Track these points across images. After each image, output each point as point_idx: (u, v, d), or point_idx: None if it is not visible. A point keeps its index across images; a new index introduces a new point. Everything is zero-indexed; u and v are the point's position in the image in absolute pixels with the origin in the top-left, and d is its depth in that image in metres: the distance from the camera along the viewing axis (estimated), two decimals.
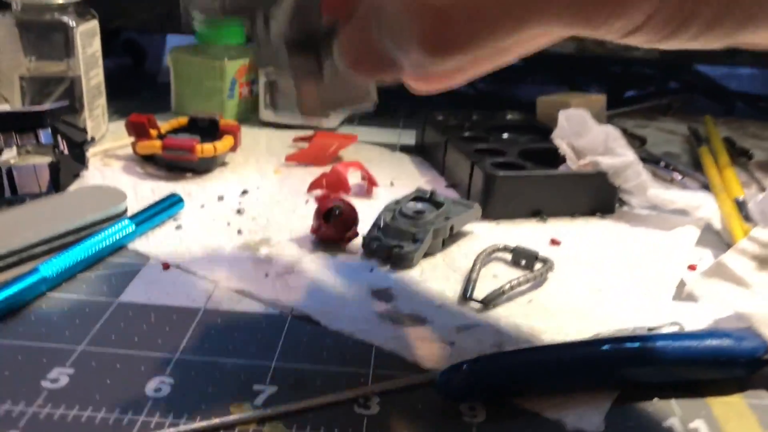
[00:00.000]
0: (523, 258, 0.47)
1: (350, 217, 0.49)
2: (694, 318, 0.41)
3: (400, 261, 0.46)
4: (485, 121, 0.70)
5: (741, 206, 0.54)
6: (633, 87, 0.92)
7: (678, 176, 0.62)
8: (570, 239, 0.52)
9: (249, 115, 0.75)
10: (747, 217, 0.52)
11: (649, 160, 0.64)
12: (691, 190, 0.60)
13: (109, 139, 0.67)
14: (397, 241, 0.47)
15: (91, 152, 0.62)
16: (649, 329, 0.40)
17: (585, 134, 0.59)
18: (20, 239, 0.43)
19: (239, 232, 0.50)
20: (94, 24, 0.63)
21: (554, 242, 0.51)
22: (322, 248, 0.49)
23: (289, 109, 0.69)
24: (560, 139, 0.59)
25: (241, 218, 0.53)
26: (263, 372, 0.36)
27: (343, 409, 0.34)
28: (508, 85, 1.00)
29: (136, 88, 0.84)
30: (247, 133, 0.71)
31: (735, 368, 0.38)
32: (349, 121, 0.77)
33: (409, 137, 0.73)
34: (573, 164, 0.57)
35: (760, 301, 0.39)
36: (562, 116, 0.59)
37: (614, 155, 0.56)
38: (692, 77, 0.91)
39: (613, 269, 0.48)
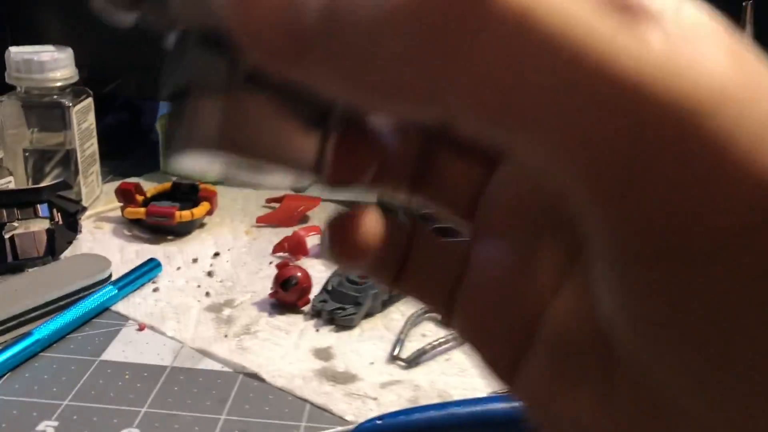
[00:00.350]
0: None
1: (304, 286, 0.57)
2: None
3: (343, 322, 0.54)
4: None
5: None
6: None
7: None
8: None
9: None
10: None
11: None
12: None
13: (102, 201, 0.75)
14: (341, 304, 0.55)
15: (86, 215, 0.71)
16: None
17: None
18: (18, 306, 0.52)
19: (207, 294, 0.58)
20: (88, 102, 0.72)
21: None
22: (278, 310, 0.57)
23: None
24: None
25: (210, 280, 0.61)
26: (213, 424, 0.44)
27: None
28: None
29: (130, 147, 0.92)
30: (227, 193, 0.79)
31: None
32: None
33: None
34: None
35: None
36: None
37: None
38: None
39: None
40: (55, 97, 0.68)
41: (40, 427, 0.43)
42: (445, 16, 0.12)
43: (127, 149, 0.92)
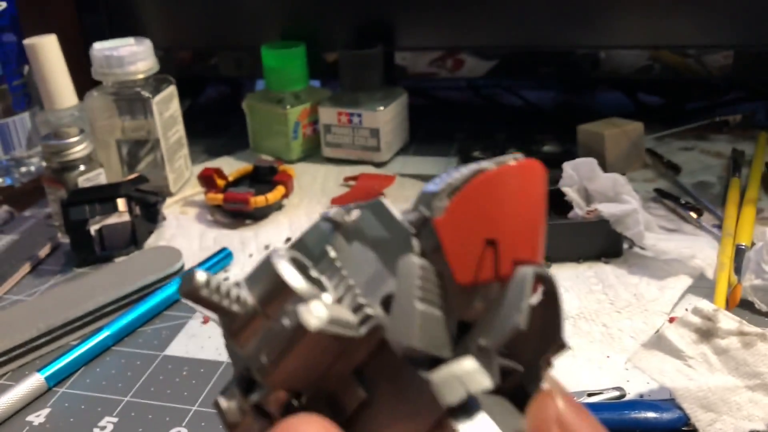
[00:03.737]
0: None
1: None
2: (644, 382, 0.46)
3: None
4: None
5: (739, 254, 0.56)
6: (697, 97, 0.91)
7: (694, 215, 0.64)
8: (565, 289, 0.57)
9: (313, 151, 0.84)
10: (738, 269, 0.54)
11: (669, 197, 0.67)
12: (693, 235, 0.62)
13: (191, 184, 0.79)
14: None
15: (172, 200, 0.74)
16: (588, 394, 0.45)
17: (594, 180, 0.62)
18: (93, 302, 0.56)
19: None
20: (170, 90, 0.74)
21: None
22: None
23: None
24: (569, 187, 0.63)
25: None
26: None
27: None
28: (580, 96, 1.02)
29: (227, 123, 0.95)
30: (308, 170, 0.80)
31: None
32: (404, 151, 0.84)
33: None
34: (581, 210, 0.62)
35: (692, 375, 0.43)
36: (568, 166, 0.63)
37: (620, 202, 0.60)
38: (763, 87, 0.89)
39: (593, 322, 0.53)
40: (137, 89, 0.71)
41: (102, 422, 0.47)
42: None
43: (224, 126, 0.95)
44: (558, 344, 0.22)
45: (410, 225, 0.22)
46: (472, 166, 0.22)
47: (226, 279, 0.61)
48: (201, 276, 0.22)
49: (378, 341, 0.21)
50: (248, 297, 0.22)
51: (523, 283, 0.20)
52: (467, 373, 0.20)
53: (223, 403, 0.22)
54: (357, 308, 0.21)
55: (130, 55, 0.70)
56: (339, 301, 0.22)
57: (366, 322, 0.21)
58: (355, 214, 0.24)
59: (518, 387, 0.22)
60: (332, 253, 0.24)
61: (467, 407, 0.20)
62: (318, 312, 0.20)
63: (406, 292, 0.20)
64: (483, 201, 0.21)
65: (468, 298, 0.21)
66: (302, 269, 0.22)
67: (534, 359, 0.22)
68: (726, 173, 0.72)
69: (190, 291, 0.22)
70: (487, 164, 0.22)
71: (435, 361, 0.20)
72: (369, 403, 0.21)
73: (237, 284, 0.23)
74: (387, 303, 0.21)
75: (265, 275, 0.22)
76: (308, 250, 0.24)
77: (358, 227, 0.23)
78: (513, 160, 0.22)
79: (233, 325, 0.22)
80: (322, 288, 0.22)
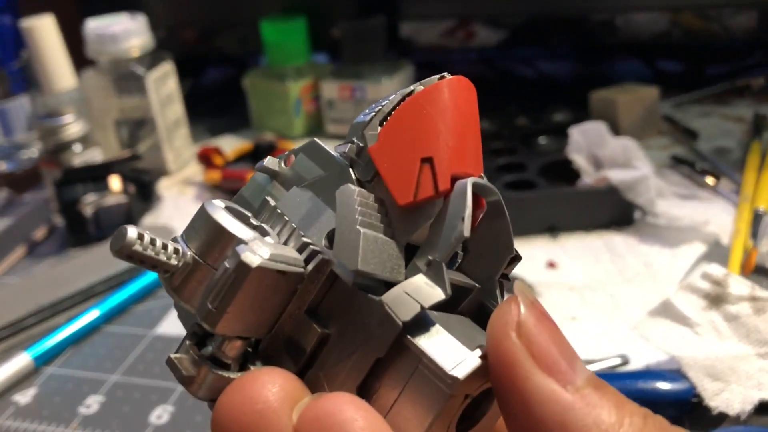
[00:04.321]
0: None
1: None
2: (651, 350, 0.43)
3: None
4: (530, 125, 0.71)
5: (756, 219, 0.53)
6: (717, 62, 0.87)
7: (711, 181, 0.61)
8: (571, 259, 0.54)
9: (316, 128, 0.82)
10: (755, 234, 0.51)
11: (685, 162, 0.63)
12: (709, 201, 0.59)
13: (192, 164, 0.77)
14: None
15: (171, 181, 0.73)
16: (588, 362, 0.43)
17: (604, 146, 0.59)
18: (84, 281, 0.54)
19: None
20: (167, 67, 0.73)
21: (551, 265, 0.54)
22: None
23: None
24: (576, 153, 0.60)
25: None
26: None
27: None
28: (596, 65, 0.99)
29: (230, 102, 0.94)
30: None
31: (665, 409, 0.40)
32: None
33: None
34: (589, 178, 0.59)
35: (699, 343, 0.40)
36: (576, 131, 0.60)
37: (631, 168, 0.57)
38: None
39: (600, 293, 0.50)
40: (131, 66, 0.70)
41: (88, 401, 0.45)
42: None
43: (227, 105, 0.93)
44: (511, 256, 0.21)
45: (345, 158, 0.21)
46: (401, 90, 0.21)
47: None
48: (132, 231, 0.20)
49: (328, 277, 0.20)
50: (186, 249, 0.21)
51: (462, 193, 0.20)
52: (418, 288, 0.19)
53: (176, 356, 0.21)
54: (302, 247, 0.21)
55: (124, 32, 0.68)
56: (285, 243, 0.21)
57: (313, 259, 0.20)
58: (291, 159, 0.22)
59: (480, 305, 0.22)
60: (272, 202, 0.22)
61: (423, 323, 0.20)
62: (259, 250, 0.19)
63: (346, 220, 0.20)
64: (414, 122, 0.20)
65: (414, 220, 0.21)
66: (241, 218, 0.21)
67: (491, 275, 0.22)
68: (746, 138, 0.68)
69: (122, 248, 0.20)
70: (414, 86, 0.21)
71: (388, 285, 0.20)
72: (326, 340, 0.21)
73: (173, 239, 0.21)
74: (332, 238, 0.21)
75: (202, 225, 0.21)
76: (247, 203, 0.23)
77: (295, 172, 0.22)
78: (439, 78, 0.21)
79: (174, 280, 0.21)
80: (264, 233, 0.21)
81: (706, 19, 0.78)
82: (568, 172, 0.61)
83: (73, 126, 0.66)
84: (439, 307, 0.20)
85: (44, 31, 0.74)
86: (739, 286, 0.41)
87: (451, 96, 0.21)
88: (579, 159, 0.60)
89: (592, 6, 0.81)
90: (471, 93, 0.22)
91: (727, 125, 0.72)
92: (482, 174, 0.21)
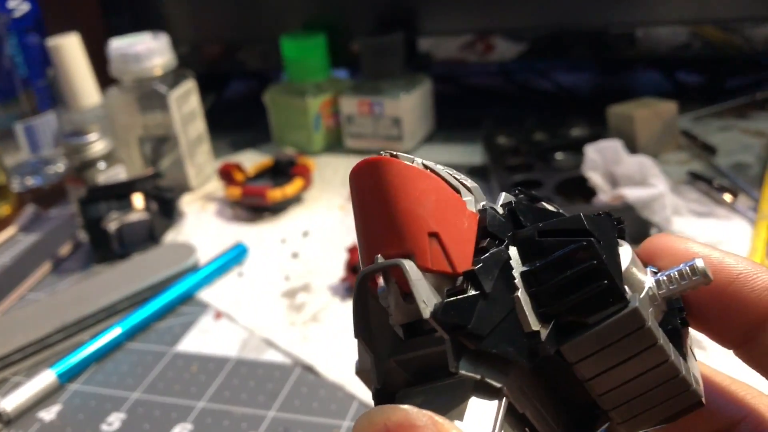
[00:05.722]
0: None
1: None
2: None
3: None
4: (546, 141, 0.72)
5: None
6: (737, 74, 0.87)
7: (728, 198, 0.60)
8: None
9: (336, 142, 0.82)
10: None
11: (702, 178, 0.63)
12: (726, 219, 0.58)
13: (214, 179, 0.78)
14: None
15: (192, 197, 0.74)
16: None
17: (620, 164, 0.60)
18: (107, 298, 0.55)
19: (287, 278, 0.59)
20: (189, 86, 0.74)
21: None
22: (350, 294, 0.56)
23: None
24: (592, 171, 0.60)
25: (293, 262, 0.61)
26: (260, 421, 0.45)
27: None
28: (615, 77, 0.99)
29: (253, 117, 0.95)
30: (330, 162, 0.79)
31: None
32: (429, 140, 0.83)
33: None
34: (605, 196, 0.59)
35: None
36: (591, 150, 0.60)
37: (647, 185, 0.57)
38: None
39: None
40: (154, 85, 0.71)
41: (111, 418, 0.47)
42: None
43: (249, 120, 0.95)
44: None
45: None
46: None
47: (240, 275, 0.60)
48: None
49: None
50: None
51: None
52: None
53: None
54: None
55: (147, 51, 0.70)
56: None
57: None
58: None
59: None
60: None
61: None
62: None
63: None
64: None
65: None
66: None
67: None
68: (766, 153, 0.68)
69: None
70: None
71: None
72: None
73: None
74: None
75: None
76: None
77: None
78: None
79: None
80: None
81: (727, 32, 0.78)
82: (584, 189, 0.61)
83: (97, 144, 0.67)
84: None
85: (70, 49, 0.76)
86: None
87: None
88: (595, 177, 0.60)
89: (612, 20, 0.81)
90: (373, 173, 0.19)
91: (746, 139, 0.72)
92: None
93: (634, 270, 0.20)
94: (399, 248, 0.19)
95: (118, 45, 0.71)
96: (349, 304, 0.54)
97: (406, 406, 0.17)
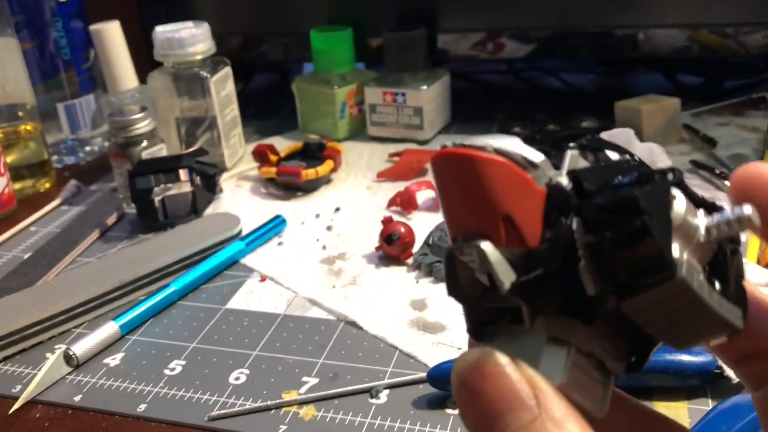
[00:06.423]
0: None
1: (407, 240, 0.60)
2: None
3: (440, 275, 0.58)
4: (559, 131, 0.77)
5: None
6: (734, 76, 0.93)
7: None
8: None
9: (359, 130, 0.88)
10: None
11: (704, 167, 0.69)
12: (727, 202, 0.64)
13: (245, 161, 0.83)
14: (440, 257, 0.58)
15: (228, 175, 0.79)
16: None
17: (632, 150, 0.65)
18: (161, 261, 0.60)
19: (324, 247, 0.64)
20: (226, 71, 0.79)
21: None
22: (384, 263, 0.61)
23: None
24: None
25: (328, 234, 0.66)
26: (312, 367, 0.50)
27: (359, 399, 0.46)
28: (619, 77, 1.04)
29: (276, 107, 1.00)
30: (355, 147, 0.84)
31: (689, 379, 0.45)
32: (446, 130, 0.88)
33: None
34: None
35: None
36: (605, 136, 0.66)
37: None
38: None
39: None
40: (195, 69, 0.76)
41: (171, 365, 0.51)
42: None
43: (273, 109, 0.99)
44: None
45: None
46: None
47: (279, 244, 0.65)
48: None
49: None
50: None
51: None
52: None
53: None
54: None
55: (190, 37, 0.74)
56: None
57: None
58: None
59: None
60: None
61: None
62: None
63: None
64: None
65: None
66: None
67: None
68: (762, 147, 0.74)
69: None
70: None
71: None
72: None
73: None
74: None
75: None
76: None
77: None
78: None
79: None
80: None
81: (724, 37, 0.83)
82: None
83: (142, 122, 0.72)
84: None
85: (111, 34, 0.81)
86: (756, 273, 0.47)
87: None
88: None
89: (615, 22, 0.86)
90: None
91: (743, 134, 0.78)
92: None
93: (689, 218, 0.22)
94: (477, 228, 0.22)
95: (163, 30, 0.75)
96: (384, 271, 0.60)
97: (493, 350, 0.21)
